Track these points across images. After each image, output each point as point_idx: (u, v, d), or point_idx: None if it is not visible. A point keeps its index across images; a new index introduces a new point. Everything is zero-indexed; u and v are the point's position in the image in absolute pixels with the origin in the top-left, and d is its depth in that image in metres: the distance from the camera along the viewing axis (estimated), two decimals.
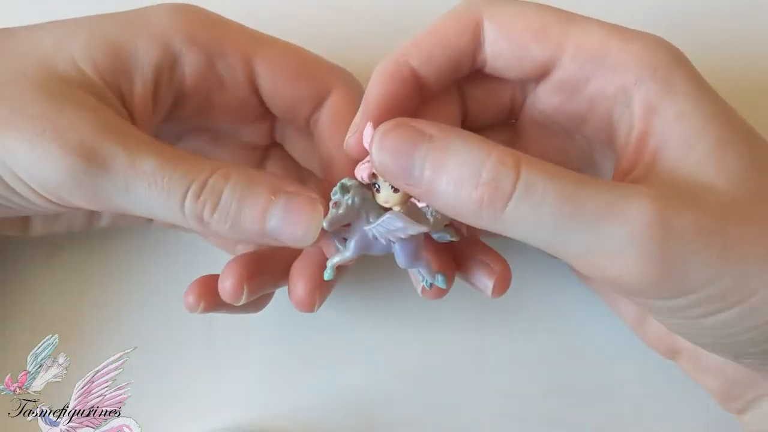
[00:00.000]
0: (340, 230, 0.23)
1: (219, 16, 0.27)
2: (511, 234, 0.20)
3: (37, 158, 0.22)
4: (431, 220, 0.22)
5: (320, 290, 0.26)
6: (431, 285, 0.24)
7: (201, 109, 0.27)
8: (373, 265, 0.31)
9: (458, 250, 0.26)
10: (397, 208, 0.22)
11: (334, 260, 0.23)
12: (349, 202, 0.22)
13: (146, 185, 0.22)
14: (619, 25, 0.23)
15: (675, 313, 0.22)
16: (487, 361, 0.32)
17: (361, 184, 0.22)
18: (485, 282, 0.26)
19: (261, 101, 0.28)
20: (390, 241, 0.23)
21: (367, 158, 0.22)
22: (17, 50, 0.24)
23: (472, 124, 0.27)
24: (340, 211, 0.22)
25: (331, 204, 0.22)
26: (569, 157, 0.26)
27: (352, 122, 0.23)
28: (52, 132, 0.22)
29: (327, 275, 0.24)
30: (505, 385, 0.31)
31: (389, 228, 0.22)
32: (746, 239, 0.20)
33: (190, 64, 0.26)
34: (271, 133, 0.30)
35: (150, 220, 0.30)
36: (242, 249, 0.30)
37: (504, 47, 0.23)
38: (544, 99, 0.25)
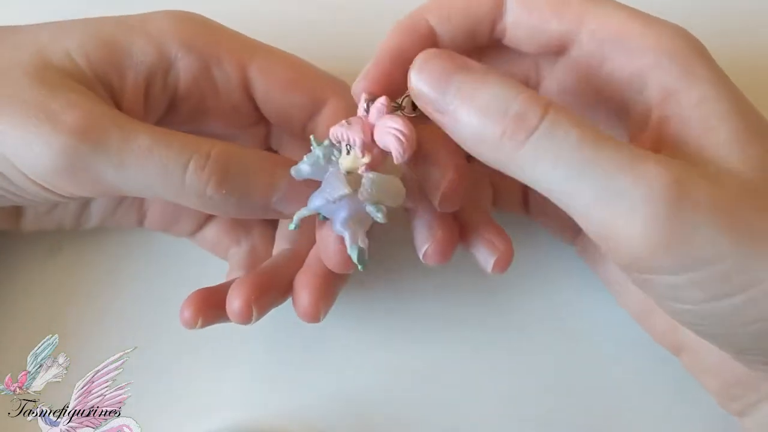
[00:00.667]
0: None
1: (217, 23, 0.27)
2: (524, 173, 0.20)
3: (29, 141, 0.22)
4: (363, 188, 0.22)
5: (324, 300, 0.26)
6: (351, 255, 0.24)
7: (195, 114, 0.27)
8: (372, 266, 0.31)
9: (465, 221, 0.26)
10: (345, 172, 0.22)
11: (301, 213, 0.23)
12: (317, 154, 0.23)
13: (142, 159, 0.22)
14: (639, 10, 0.23)
15: (677, 295, 0.21)
16: (489, 360, 0.32)
17: (331, 144, 0.23)
18: (487, 258, 0.25)
19: (256, 108, 0.28)
20: (329, 201, 0.23)
21: (342, 121, 0.23)
22: (16, 43, 0.24)
23: None
24: (306, 162, 0.23)
25: (305, 156, 0.23)
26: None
27: (364, 69, 0.24)
28: (44, 114, 0.22)
29: (291, 226, 0.23)
30: (506, 385, 0.31)
31: (329, 186, 0.23)
32: (758, 226, 0.20)
33: (185, 69, 0.26)
34: (266, 140, 0.30)
35: (140, 222, 0.30)
36: (235, 252, 0.30)
37: (524, 17, 0.23)
38: (561, 77, 0.25)
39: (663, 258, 0.20)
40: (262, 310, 0.26)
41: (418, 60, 0.21)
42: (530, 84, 0.26)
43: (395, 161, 0.22)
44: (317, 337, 0.30)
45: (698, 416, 0.30)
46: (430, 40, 0.24)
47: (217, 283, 0.30)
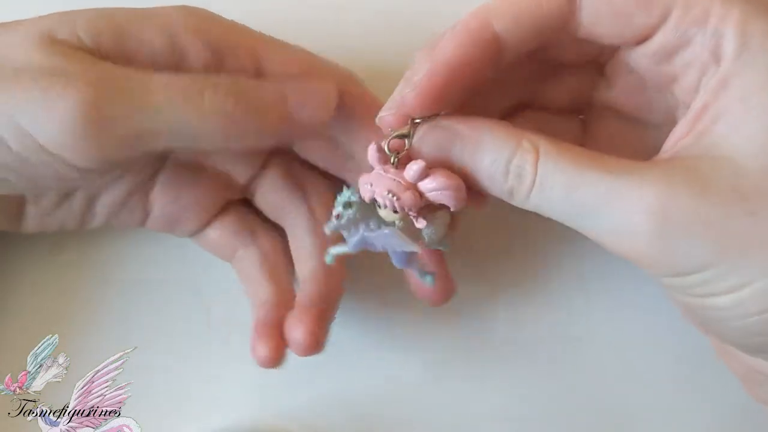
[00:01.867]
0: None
1: (227, 18, 0.27)
2: (539, 212, 0.23)
3: (47, 103, 0.22)
4: (426, 240, 0.24)
5: (322, 330, 0.27)
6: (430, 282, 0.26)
7: None
8: (373, 266, 0.31)
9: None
10: (398, 223, 0.23)
11: (335, 250, 0.25)
12: (351, 216, 0.23)
13: (162, 94, 0.23)
14: None
15: (682, 291, 0.22)
16: (490, 359, 0.32)
17: (363, 202, 0.23)
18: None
19: None
20: (385, 249, 0.24)
21: (369, 179, 0.23)
22: (22, 26, 0.24)
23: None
24: (342, 222, 0.23)
25: (333, 214, 0.23)
26: (652, 111, 0.25)
27: (416, 77, 0.22)
28: (59, 76, 0.22)
29: (328, 259, 0.25)
30: (506, 385, 0.31)
31: (385, 242, 0.23)
32: (750, 228, 0.20)
33: (196, 60, 0.25)
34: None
35: (143, 222, 0.30)
36: (243, 257, 0.30)
37: (604, 13, 0.22)
38: (637, 60, 0.24)
39: (659, 270, 0.22)
40: (326, 337, 0.28)
41: (417, 135, 0.23)
42: (601, 61, 0.26)
43: (452, 210, 0.23)
44: None
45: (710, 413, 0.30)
46: (493, 52, 0.22)
47: (217, 284, 0.31)
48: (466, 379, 0.32)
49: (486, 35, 0.22)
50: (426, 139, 0.23)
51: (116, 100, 0.23)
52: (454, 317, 0.32)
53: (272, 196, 0.30)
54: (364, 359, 0.31)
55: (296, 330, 0.27)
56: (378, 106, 0.25)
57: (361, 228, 0.24)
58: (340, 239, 0.25)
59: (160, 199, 0.29)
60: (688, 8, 0.22)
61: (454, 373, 0.32)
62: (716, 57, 0.22)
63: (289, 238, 0.30)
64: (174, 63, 0.25)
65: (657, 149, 0.24)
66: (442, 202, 0.23)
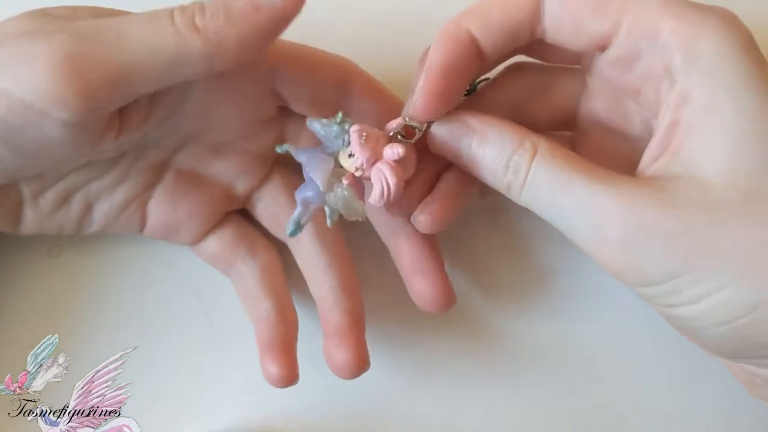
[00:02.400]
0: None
1: None
2: (531, 209, 0.24)
3: (22, 56, 0.22)
4: (332, 193, 0.24)
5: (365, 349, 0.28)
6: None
7: (215, 105, 0.27)
8: (373, 266, 0.31)
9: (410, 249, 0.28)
10: (337, 165, 0.25)
11: (287, 147, 0.25)
12: (330, 128, 0.25)
13: (134, 26, 0.23)
14: (682, 1, 0.23)
15: (652, 300, 0.23)
16: (491, 361, 0.32)
17: (346, 123, 0.25)
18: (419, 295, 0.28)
19: (275, 102, 0.28)
20: (305, 171, 0.25)
21: (368, 128, 0.25)
22: (22, 14, 0.25)
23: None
24: (320, 124, 0.25)
25: (325, 119, 0.25)
26: (631, 123, 0.26)
27: (417, 86, 0.24)
28: (37, 33, 0.23)
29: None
30: (507, 388, 0.31)
31: (313, 162, 0.25)
32: (715, 239, 0.21)
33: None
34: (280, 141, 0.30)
35: (141, 229, 0.29)
36: (242, 272, 0.30)
37: (563, 20, 0.24)
38: (603, 69, 0.25)
39: (627, 279, 0.23)
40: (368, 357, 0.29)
41: (434, 125, 0.25)
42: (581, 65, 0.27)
43: (369, 204, 0.25)
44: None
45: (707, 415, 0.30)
46: (473, 50, 0.24)
47: (217, 284, 0.31)
48: (466, 381, 0.32)
49: (464, 38, 0.24)
50: (441, 127, 0.25)
51: (91, 42, 0.23)
52: (454, 320, 0.32)
53: (274, 208, 0.30)
54: None
55: (340, 354, 0.27)
56: (383, 91, 0.28)
57: (321, 147, 0.25)
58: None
59: (158, 208, 0.29)
60: (638, 20, 0.23)
61: (454, 375, 0.32)
62: (669, 71, 0.22)
63: (296, 255, 0.30)
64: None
65: (640, 163, 0.25)
66: (374, 185, 0.24)
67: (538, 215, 0.24)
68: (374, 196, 0.24)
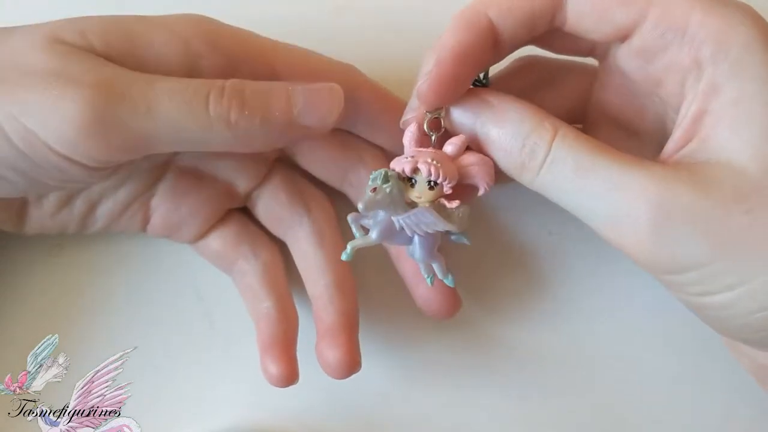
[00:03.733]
0: (359, 217, 0.25)
1: (237, 27, 0.27)
2: (544, 194, 0.23)
3: (53, 104, 0.22)
4: (457, 220, 0.24)
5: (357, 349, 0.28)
6: (432, 281, 0.26)
7: None
8: (373, 266, 0.31)
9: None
10: (426, 205, 0.24)
11: (357, 243, 0.25)
12: (387, 190, 0.23)
13: (167, 100, 0.23)
14: None
15: (679, 289, 0.23)
16: (491, 359, 0.32)
17: (400, 176, 0.24)
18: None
19: None
20: (414, 233, 0.24)
21: (408, 154, 0.24)
22: (29, 30, 0.24)
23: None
24: (378, 197, 0.23)
25: (368, 188, 0.24)
26: (644, 117, 0.26)
27: (423, 70, 0.24)
28: (65, 78, 0.23)
29: (345, 256, 0.25)
30: (508, 389, 0.32)
31: (419, 221, 0.24)
32: (748, 227, 0.21)
33: (209, 67, 0.25)
34: (280, 148, 0.30)
35: (144, 227, 0.30)
36: (243, 268, 0.30)
37: (586, 9, 0.23)
38: (623, 60, 0.25)
39: (653, 265, 0.22)
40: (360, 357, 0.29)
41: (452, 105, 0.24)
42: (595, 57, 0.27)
43: (480, 193, 0.24)
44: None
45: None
46: (490, 36, 0.24)
47: (217, 284, 0.31)
48: (466, 381, 0.32)
49: (482, 23, 0.23)
50: (460, 106, 0.24)
51: (119, 103, 0.23)
52: (454, 320, 0.32)
53: (274, 207, 0.30)
54: (364, 360, 0.31)
55: (332, 353, 0.27)
56: (391, 97, 0.28)
57: (387, 212, 0.24)
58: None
59: (161, 206, 0.29)
60: (665, 10, 0.23)
61: (454, 375, 0.32)
62: (698, 63, 0.22)
63: (293, 253, 0.30)
64: (187, 68, 0.25)
65: (650, 156, 0.24)
66: (474, 180, 0.24)
67: (552, 199, 0.23)
68: (485, 186, 0.24)
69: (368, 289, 0.31)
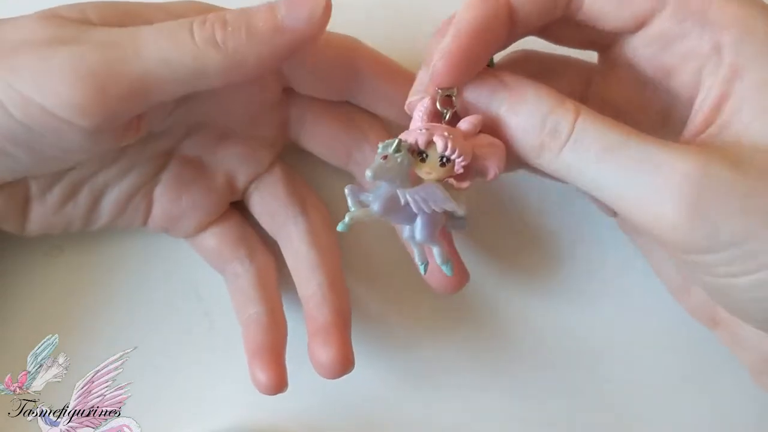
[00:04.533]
0: (358, 190, 0.24)
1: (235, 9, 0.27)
2: (563, 175, 0.23)
3: (44, 65, 0.22)
4: (464, 202, 0.23)
5: (349, 348, 0.28)
6: (426, 270, 0.25)
7: (220, 95, 0.27)
8: (373, 267, 0.31)
9: None
10: (435, 182, 0.23)
11: (356, 214, 0.23)
12: (399, 160, 0.22)
13: (153, 39, 0.23)
14: None
15: (709, 270, 0.22)
16: (491, 361, 0.32)
17: (412, 150, 0.23)
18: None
19: (281, 85, 0.28)
20: (420, 211, 0.23)
21: (423, 125, 0.23)
22: (28, 15, 0.25)
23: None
24: (389, 165, 0.22)
25: (379, 156, 0.22)
26: (647, 110, 0.26)
27: (441, 45, 0.23)
28: (57, 41, 0.23)
29: (342, 227, 0.23)
30: (508, 387, 0.31)
31: (427, 196, 0.23)
32: None
33: None
34: (285, 128, 0.30)
35: (146, 221, 0.30)
36: (237, 270, 0.30)
37: None
38: (635, 49, 0.24)
39: (689, 242, 0.21)
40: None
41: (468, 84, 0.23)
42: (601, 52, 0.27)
43: (489, 177, 0.23)
44: None
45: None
46: (506, 16, 0.23)
47: (217, 284, 0.31)
48: (467, 379, 0.32)
49: (500, 1, 0.23)
50: (474, 85, 0.23)
51: (111, 55, 0.23)
52: (455, 318, 0.32)
53: (270, 201, 0.30)
54: (363, 360, 0.31)
55: (324, 351, 0.27)
56: (394, 66, 0.27)
57: (392, 186, 0.23)
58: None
59: (163, 196, 0.29)
60: None
61: (454, 374, 0.32)
62: (718, 49, 0.22)
63: (285, 252, 0.30)
64: None
65: (667, 117, 0.24)
66: (486, 163, 0.23)
67: (570, 181, 0.23)
68: (495, 169, 0.23)
69: (368, 289, 0.31)
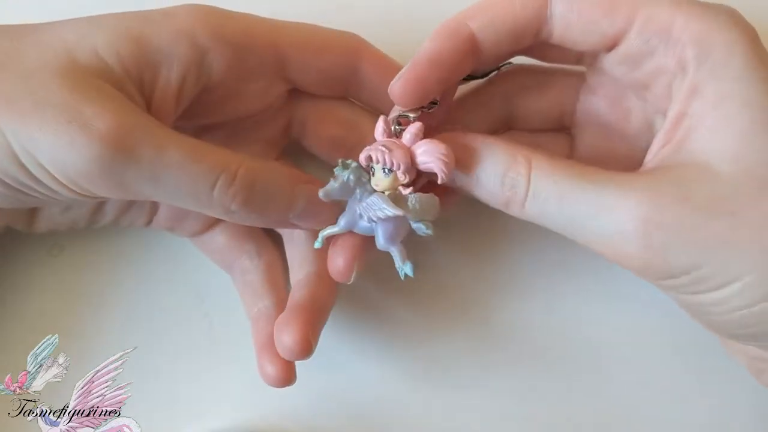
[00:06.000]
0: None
1: (239, 13, 0.27)
2: (536, 222, 0.24)
3: (62, 147, 0.22)
4: (410, 207, 0.24)
5: (314, 333, 0.27)
6: (405, 274, 0.26)
7: (225, 99, 0.27)
8: (373, 267, 0.31)
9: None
10: (385, 192, 0.24)
11: (326, 231, 0.25)
12: (344, 178, 0.24)
13: (174, 175, 0.23)
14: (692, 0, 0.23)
15: (674, 290, 0.24)
16: (489, 361, 0.32)
17: (359, 166, 0.24)
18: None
19: (285, 87, 0.28)
20: (372, 221, 0.25)
21: (375, 144, 0.24)
22: (40, 43, 0.24)
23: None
24: (336, 184, 0.24)
25: (332, 178, 0.24)
26: (631, 121, 0.27)
27: (401, 71, 0.24)
28: (77, 122, 0.22)
29: (317, 244, 0.26)
30: (506, 386, 0.31)
31: (372, 207, 0.24)
32: (732, 229, 0.22)
33: (217, 59, 0.26)
34: (287, 129, 0.30)
35: (150, 220, 0.30)
36: (246, 266, 0.30)
37: (573, 21, 0.24)
38: (611, 66, 0.25)
39: (649, 274, 0.23)
40: (316, 342, 0.28)
41: (419, 149, 0.24)
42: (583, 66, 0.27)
43: (439, 181, 0.24)
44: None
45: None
46: (470, 47, 0.24)
47: (217, 284, 0.31)
48: (467, 380, 0.32)
49: (462, 33, 0.24)
50: (430, 149, 0.24)
51: (126, 164, 0.23)
52: (453, 318, 0.32)
53: None
54: (363, 359, 0.32)
55: (285, 334, 0.27)
56: (394, 65, 0.28)
57: (353, 201, 0.25)
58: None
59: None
60: (650, 17, 0.23)
61: (454, 374, 0.32)
62: (682, 66, 0.23)
63: (286, 245, 0.30)
64: (196, 63, 0.25)
65: (637, 159, 0.25)
66: (430, 168, 0.24)
67: (544, 226, 0.24)
68: (441, 174, 0.24)
69: (368, 290, 0.31)
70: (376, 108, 0.29)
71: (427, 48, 0.24)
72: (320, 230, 0.26)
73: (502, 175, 0.24)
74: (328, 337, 0.31)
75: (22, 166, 0.23)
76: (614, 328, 0.32)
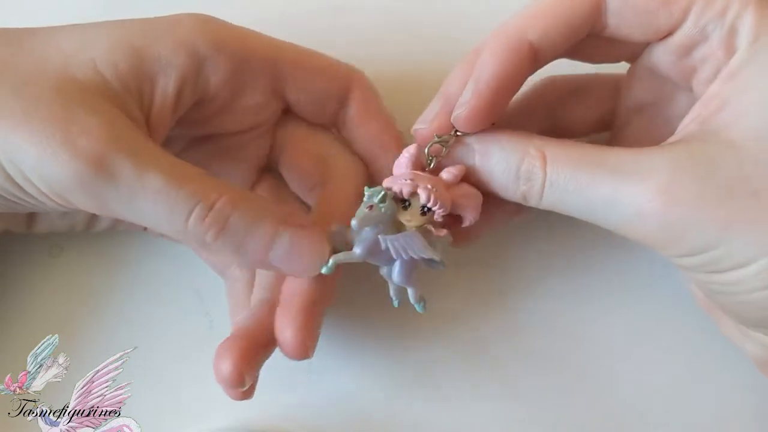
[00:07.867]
0: (345, 230, 0.25)
1: (240, 26, 0.27)
2: (554, 210, 0.24)
3: (45, 160, 0.22)
4: (441, 249, 0.24)
5: (310, 335, 0.26)
6: (399, 304, 0.26)
7: (220, 112, 0.27)
8: (373, 268, 0.31)
9: None
10: (413, 229, 0.24)
11: (339, 258, 0.24)
12: (383, 210, 0.24)
13: (151, 200, 0.23)
14: None
15: (692, 269, 0.24)
16: (490, 359, 0.32)
17: (396, 197, 0.24)
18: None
19: (278, 104, 0.28)
20: (398, 256, 0.24)
21: (408, 173, 0.24)
22: (38, 51, 0.24)
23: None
24: (373, 214, 0.24)
25: (365, 205, 0.24)
26: (673, 107, 0.26)
27: (464, 95, 0.24)
28: (62, 136, 0.22)
29: (326, 270, 0.24)
30: (504, 387, 0.31)
31: (406, 244, 0.24)
32: (753, 209, 0.21)
33: (215, 71, 0.26)
34: (270, 152, 0.30)
35: (145, 227, 0.30)
36: (237, 275, 0.29)
37: (629, 16, 0.24)
38: (657, 57, 0.25)
39: (671, 251, 0.23)
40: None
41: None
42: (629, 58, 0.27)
43: (465, 224, 0.25)
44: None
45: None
46: (532, 60, 0.24)
47: (217, 284, 0.31)
48: (467, 380, 0.32)
49: (523, 47, 0.24)
50: (451, 154, 0.25)
51: (105, 189, 0.22)
52: (452, 320, 0.32)
53: None
54: (363, 360, 0.31)
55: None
56: (377, 109, 0.28)
57: (375, 230, 0.24)
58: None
59: None
60: (708, 5, 0.23)
61: (454, 375, 0.32)
62: (729, 51, 0.23)
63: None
64: (194, 72, 0.25)
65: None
66: (463, 212, 0.24)
67: (565, 213, 0.24)
68: (471, 218, 0.24)
69: (368, 290, 0.31)
70: (350, 142, 0.29)
71: (491, 71, 0.24)
72: (332, 256, 0.24)
73: (516, 169, 0.24)
74: (328, 338, 0.31)
75: (9, 176, 0.23)
76: (614, 327, 0.32)
